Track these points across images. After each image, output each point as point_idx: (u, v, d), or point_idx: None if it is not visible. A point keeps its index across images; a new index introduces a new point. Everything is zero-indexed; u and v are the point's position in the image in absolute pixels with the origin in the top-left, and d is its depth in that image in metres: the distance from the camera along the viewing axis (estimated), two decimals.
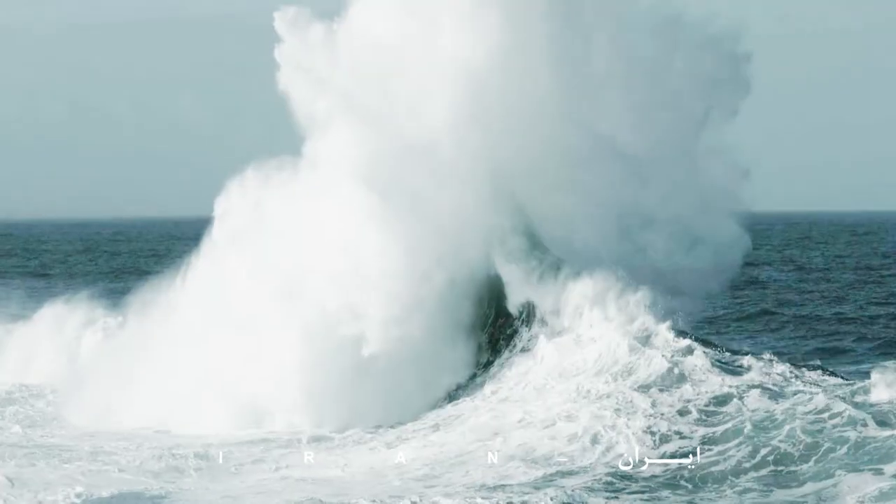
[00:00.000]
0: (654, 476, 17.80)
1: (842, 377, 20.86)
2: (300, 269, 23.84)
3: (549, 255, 23.96)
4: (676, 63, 26.75)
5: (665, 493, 17.23)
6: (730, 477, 17.50)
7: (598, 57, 25.19)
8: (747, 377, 20.40)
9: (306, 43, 25.38)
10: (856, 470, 16.89)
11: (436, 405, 22.77)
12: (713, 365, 20.85)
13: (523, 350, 23.32)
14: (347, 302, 23.17)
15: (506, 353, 23.58)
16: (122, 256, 79.00)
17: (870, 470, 16.83)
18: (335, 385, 22.94)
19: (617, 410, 19.71)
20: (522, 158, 24.07)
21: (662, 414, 19.39)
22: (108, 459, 20.46)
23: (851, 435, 17.65)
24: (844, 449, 17.46)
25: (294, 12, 25.62)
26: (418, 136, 23.74)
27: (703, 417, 19.21)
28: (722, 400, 19.64)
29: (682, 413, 19.40)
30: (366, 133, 23.93)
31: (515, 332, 23.88)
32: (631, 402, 19.96)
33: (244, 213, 25.42)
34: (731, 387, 20.00)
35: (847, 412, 18.20)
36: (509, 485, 17.72)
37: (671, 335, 21.72)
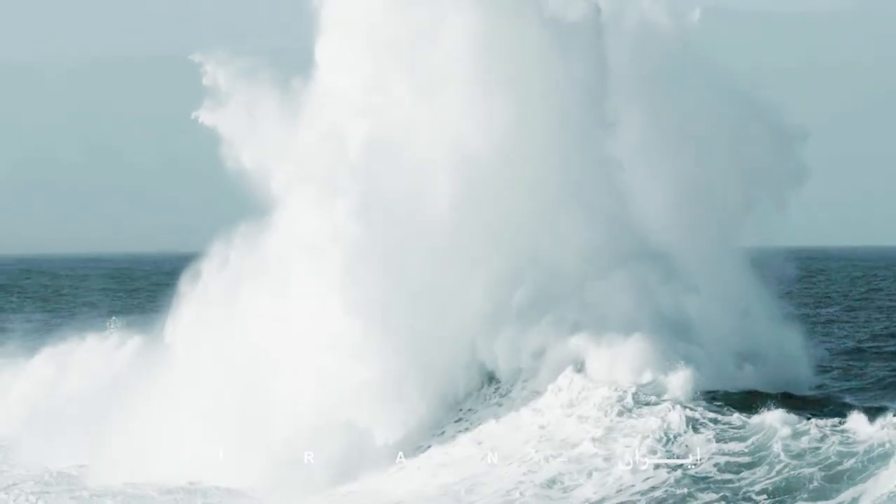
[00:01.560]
0: (669, 492, 17.88)
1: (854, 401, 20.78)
2: (272, 386, 21.17)
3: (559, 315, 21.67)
4: (719, 145, 23.22)
5: None
6: (745, 491, 17.68)
7: (626, 140, 22.15)
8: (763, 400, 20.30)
9: (261, 102, 22.07)
10: (867, 476, 17.15)
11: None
12: (726, 389, 20.80)
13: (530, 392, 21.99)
14: (336, 420, 20.61)
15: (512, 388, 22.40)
16: (140, 293, 79.15)
17: (880, 471, 17.08)
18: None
19: (628, 432, 19.61)
20: (535, 250, 21.53)
21: (674, 435, 19.31)
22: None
23: (860, 448, 17.80)
24: (853, 460, 17.61)
25: (251, 64, 22.20)
26: (413, 222, 21.17)
27: (716, 436, 19.20)
28: (736, 423, 19.61)
29: (696, 429, 19.37)
30: (345, 219, 21.03)
31: (516, 385, 22.35)
32: (641, 422, 19.80)
33: (213, 299, 22.67)
34: (744, 405, 19.97)
35: (854, 427, 18.44)
36: None
37: (682, 364, 20.68)
